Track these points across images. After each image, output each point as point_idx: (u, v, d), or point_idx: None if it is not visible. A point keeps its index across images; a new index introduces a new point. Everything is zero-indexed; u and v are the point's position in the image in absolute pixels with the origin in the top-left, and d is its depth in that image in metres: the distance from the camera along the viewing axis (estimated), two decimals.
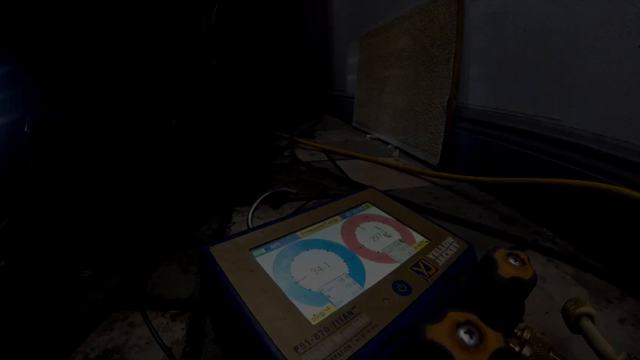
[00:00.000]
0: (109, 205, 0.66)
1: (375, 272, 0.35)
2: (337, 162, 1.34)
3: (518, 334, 0.32)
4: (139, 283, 0.57)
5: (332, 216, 0.45)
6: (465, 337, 0.21)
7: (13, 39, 0.53)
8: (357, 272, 0.35)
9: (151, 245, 0.66)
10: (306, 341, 0.26)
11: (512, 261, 0.31)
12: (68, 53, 0.61)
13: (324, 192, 0.96)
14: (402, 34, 1.51)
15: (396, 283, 0.33)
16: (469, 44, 1.07)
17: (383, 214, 0.47)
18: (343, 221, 0.44)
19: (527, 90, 0.84)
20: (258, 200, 0.77)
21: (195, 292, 0.54)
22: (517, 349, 0.31)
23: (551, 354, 0.31)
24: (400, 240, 0.42)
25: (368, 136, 1.89)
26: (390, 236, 0.42)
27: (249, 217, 0.70)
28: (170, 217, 0.74)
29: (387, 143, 1.64)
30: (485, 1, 0.97)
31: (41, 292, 0.51)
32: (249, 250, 0.35)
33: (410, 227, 0.45)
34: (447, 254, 0.39)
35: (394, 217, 0.47)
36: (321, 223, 0.43)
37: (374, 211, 0.48)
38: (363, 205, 0.49)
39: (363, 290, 0.32)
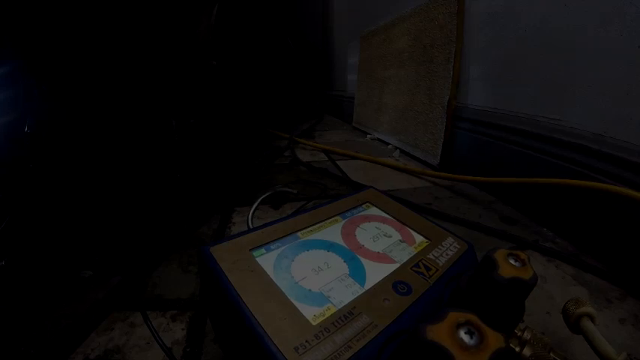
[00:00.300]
0: (110, 206, 0.66)
1: (376, 272, 0.35)
2: (337, 162, 1.34)
3: (519, 334, 0.32)
4: (139, 283, 0.57)
5: (332, 216, 0.45)
6: (466, 338, 0.21)
7: (13, 39, 0.53)
8: (357, 272, 0.35)
9: (151, 245, 0.66)
10: (306, 341, 0.26)
11: (512, 261, 0.31)
12: (68, 53, 0.61)
13: (324, 192, 0.96)
14: (402, 34, 1.51)
15: (397, 283, 0.33)
16: (469, 44, 1.07)
17: (383, 214, 0.47)
18: (343, 221, 0.44)
19: (527, 90, 0.84)
20: (259, 200, 0.78)
21: (195, 292, 0.54)
22: (517, 349, 0.31)
23: (551, 354, 0.31)
24: (400, 240, 0.42)
25: (368, 136, 1.89)
26: (390, 236, 0.42)
27: (250, 217, 0.70)
28: (170, 217, 0.74)
29: (388, 143, 1.64)
30: (486, 1, 0.97)
31: (41, 292, 0.51)
32: (250, 250, 0.35)
33: (410, 227, 0.45)
34: (447, 254, 0.39)
35: (394, 218, 0.47)
36: (322, 224, 0.43)
37: (374, 211, 0.48)
38: (364, 206, 0.49)
39: (364, 290, 0.32)
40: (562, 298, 0.52)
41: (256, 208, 0.75)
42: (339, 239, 0.40)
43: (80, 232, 0.61)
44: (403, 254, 0.39)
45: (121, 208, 0.68)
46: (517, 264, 0.31)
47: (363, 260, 0.37)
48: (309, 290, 0.31)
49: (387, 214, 0.47)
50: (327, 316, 0.29)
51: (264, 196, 0.80)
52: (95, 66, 0.65)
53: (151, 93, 0.75)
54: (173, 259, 0.63)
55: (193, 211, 0.80)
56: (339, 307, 0.30)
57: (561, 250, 0.66)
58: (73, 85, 0.61)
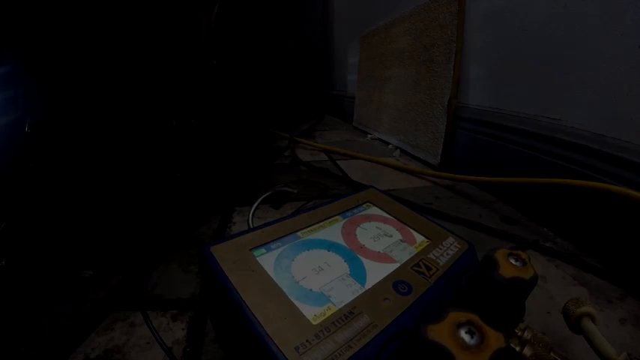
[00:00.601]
0: (110, 205, 0.66)
1: (376, 272, 0.35)
2: (338, 162, 1.34)
3: (519, 334, 0.32)
4: (140, 283, 0.57)
5: (332, 216, 0.44)
6: (466, 337, 0.21)
7: (14, 39, 0.53)
8: (357, 272, 0.35)
9: (151, 245, 0.66)
10: (307, 341, 0.26)
11: (512, 261, 0.31)
12: (69, 53, 0.61)
13: (324, 192, 0.96)
14: (402, 34, 1.51)
15: (397, 283, 0.33)
16: (470, 44, 1.07)
17: (384, 214, 0.47)
18: (344, 221, 0.44)
19: (527, 89, 0.84)
20: (259, 200, 0.78)
21: (195, 291, 0.54)
22: (518, 349, 0.31)
23: (551, 354, 0.31)
24: (401, 240, 0.41)
25: (369, 136, 1.89)
26: (390, 236, 0.42)
27: (250, 217, 0.70)
28: (170, 217, 0.74)
29: (388, 143, 1.64)
30: (486, 1, 0.97)
31: (41, 292, 0.51)
32: (250, 250, 0.35)
33: (411, 227, 0.45)
34: (447, 254, 0.39)
35: (395, 217, 0.47)
36: (322, 223, 0.43)
37: (375, 211, 0.48)
38: (364, 205, 0.49)
39: (364, 290, 0.32)
40: (562, 297, 0.52)
41: (256, 208, 0.75)
42: (339, 239, 0.40)
43: (80, 232, 0.61)
44: (404, 254, 0.38)
45: (122, 208, 0.68)
46: (518, 264, 0.31)
47: (364, 260, 0.37)
48: (310, 290, 0.31)
49: (388, 213, 0.47)
50: (327, 315, 0.29)
51: (264, 196, 0.80)
52: (96, 65, 0.65)
53: (151, 92, 0.75)
54: (173, 259, 0.63)
55: (193, 211, 0.80)
56: (340, 307, 0.30)
57: (561, 250, 0.66)
58: (74, 85, 0.61)
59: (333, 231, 0.42)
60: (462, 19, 1.08)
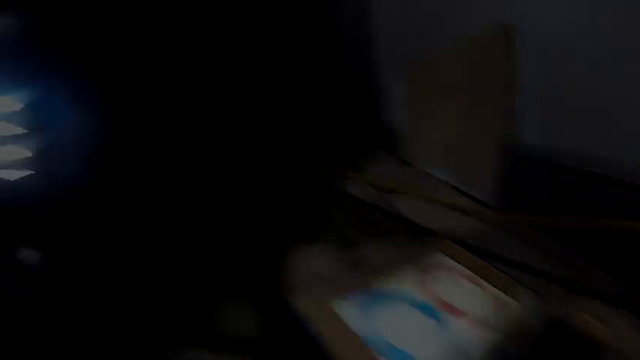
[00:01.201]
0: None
1: (457, 329, 0.36)
2: (389, 198, 1.33)
3: None
4: (203, 320, 0.58)
5: (403, 264, 0.46)
6: None
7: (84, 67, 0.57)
8: (439, 327, 0.36)
9: (214, 284, 0.68)
10: None
11: (590, 320, 0.31)
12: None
13: (384, 233, 0.96)
14: (452, 66, 1.50)
15: (480, 342, 0.34)
16: (525, 78, 1.05)
17: (456, 265, 0.48)
18: (418, 271, 0.45)
19: (588, 126, 0.82)
20: (323, 245, 0.79)
21: (262, 335, 0.55)
22: None
23: None
24: (476, 294, 0.42)
25: (420, 171, 1.87)
26: (465, 289, 0.43)
27: (318, 263, 0.71)
28: (230, 257, 0.76)
29: (440, 179, 1.62)
30: (539, 35, 0.96)
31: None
32: (329, 300, 0.36)
33: (485, 279, 0.45)
34: (522, 310, 0.39)
35: (467, 267, 0.47)
36: (395, 272, 0.44)
37: (446, 260, 0.48)
38: (436, 254, 0.49)
39: (449, 348, 0.33)
40: (634, 352, 0.50)
41: (319, 252, 0.77)
42: (416, 290, 0.41)
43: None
44: (481, 308, 0.39)
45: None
46: (595, 323, 0.31)
47: (443, 314, 0.38)
48: (395, 346, 0.32)
49: (460, 264, 0.48)
50: None
51: (328, 239, 0.81)
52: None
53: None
54: (237, 299, 0.64)
55: (254, 252, 0.82)
56: None
57: (628, 301, 0.63)
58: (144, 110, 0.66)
59: (407, 281, 0.43)
60: (515, 52, 1.07)
